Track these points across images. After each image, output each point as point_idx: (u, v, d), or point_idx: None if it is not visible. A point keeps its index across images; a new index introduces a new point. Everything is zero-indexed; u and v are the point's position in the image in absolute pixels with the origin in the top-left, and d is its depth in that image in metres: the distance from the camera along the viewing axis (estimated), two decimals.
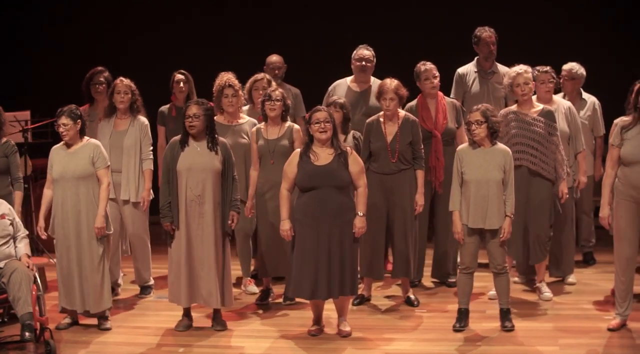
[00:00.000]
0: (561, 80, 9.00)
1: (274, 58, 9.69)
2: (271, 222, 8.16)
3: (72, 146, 7.69)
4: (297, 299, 8.25)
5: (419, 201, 8.23)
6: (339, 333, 7.52)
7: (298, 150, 7.51)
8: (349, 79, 9.32)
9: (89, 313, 7.71)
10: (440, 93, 8.74)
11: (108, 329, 7.77)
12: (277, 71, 9.52)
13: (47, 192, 7.77)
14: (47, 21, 12.38)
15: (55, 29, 12.29)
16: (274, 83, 8.81)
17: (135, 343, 7.45)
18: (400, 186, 8.21)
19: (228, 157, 7.62)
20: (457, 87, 9.45)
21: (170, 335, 7.64)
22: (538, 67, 8.48)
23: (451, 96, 9.15)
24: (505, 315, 7.56)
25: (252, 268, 8.98)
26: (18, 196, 7.99)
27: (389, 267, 8.68)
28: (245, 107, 8.89)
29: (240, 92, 8.54)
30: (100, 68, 9.16)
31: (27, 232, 7.59)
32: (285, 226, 7.44)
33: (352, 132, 8.32)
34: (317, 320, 7.60)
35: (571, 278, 8.86)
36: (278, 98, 8.15)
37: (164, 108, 9.28)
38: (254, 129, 8.30)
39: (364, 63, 9.14)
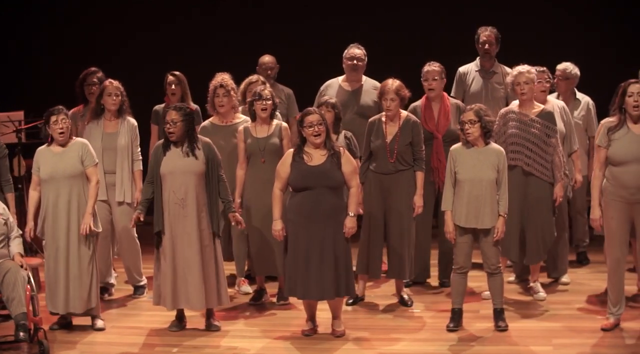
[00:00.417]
0: (555, 80, 9.01)
1: (267, 58, 9.70)
2: (261, 222, 8.16)
3: (61, 146, 7.67)
4: (291, 300, 8.25)
5: (418, 202, 8.22)
6: (332, 333, 7.52)
7: (291, 150, 7.51)
8: (340, 78, 9.33)
9: (73, 313, 7.68)
10: (445, 94, 8.74)
11: (102, 329, 7.76)
12: (269, 71, 9.53)
13: (34, 194, 7.73)
14: (42, 21, 12.35)
15: (50, 30, 12.26)
16: (267, 84, 8.81)
17: (128, 343, 7.45)
18: (398, 186, 8.21)
19: (212, 157, 7.60)
20: (457, 86, 9.47)
21: (163, 335, 7.64)
22: (535, 67, 8.50)
23: (451, 95, 9.15)
24: (499, 315, 7.57)
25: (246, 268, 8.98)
26: (10, 197, 7.97)
27: (384, 267, 8.67)
28: (240, 108, 8.87)
29: (232, 93, 8.53)
30: (93, 69, 9.14)
31: (21, 232, 7.59)
32: (278, 226, 7.44)
33: (343, 131, 8.32)
34: (311, 320, 7.60)
35: (565, 278, 8.87)
36: (268, 97, 8.16)
37: (159, 107, 9.26)
38: (241, 128, 8.29)
39: (355, 62, 9.16)
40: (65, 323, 7.83)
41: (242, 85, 8.85)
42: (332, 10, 11.65)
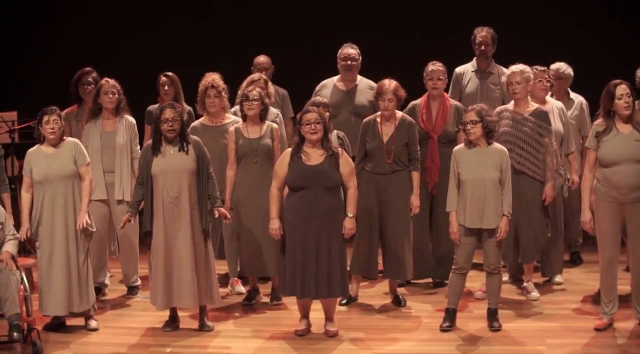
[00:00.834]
0: None
1: (262, 59, 9.71)
2: (253, 222, 8.17)
3: (52, 146, 7.67)
4: (284, 300, 8.26)
5: (415, 202, 8.23)
6: (325, 333, 7.52)
7: (289, 149, 7.51)
8: (335, 78, 9.35)
9: (73, 313, 7.69)
10: (445, 95, 8.75)
11: (95, 329, 7.76)
12: (264, 72, 9.51)
13: (26, 196, 7.71)
14: (36, 22, 12.35)
15: (44, 30, 12.26)
16: (270, 83, 8.82)
17: (122, 343, 7.45)
18: (394, 187, 8.21)
19: (202, 155, 7.62)
20: (453, 87, 9.47)
21: (157, 335, 7.64)
22: (536, 66, 8.51)
23: (448, 95, 9.16)
24: (492, 315, 7.57)
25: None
26: (6, 197, 7.94)
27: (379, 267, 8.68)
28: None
29: (223, 93, 8.54)
30: (88, 68, 9.13)
31: (18, 236, 7.56)
32: (275, 224, 7.44)
33: (335, 131, 8.31)
34: (304, 319, 7.60)
35: (558, 278, 8.88)
36: (255, 98, 8.17)
37: (152, 108, 9.25)
38: (232, 128, 8.29)
39: (349, 62, 9.17)
40: (58, 324, 7.81)
41: (244, 84, 8.83)
42: (328, 11, 11.67)
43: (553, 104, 8.64)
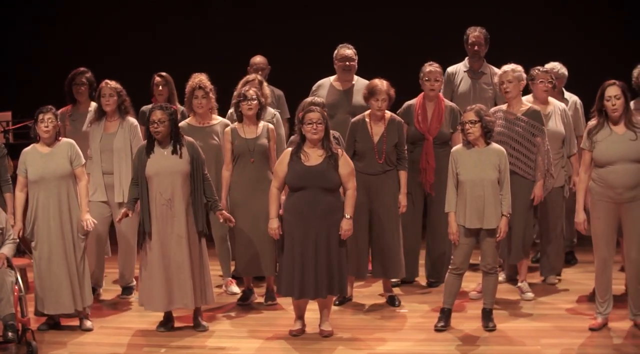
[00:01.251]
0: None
1: (258, 59, 9.71)
2: (249, 222, 8.16)
3: (47, 146, 7.66)
4: (279, 300, 8.26)
5: (403, 201, 8.25)
6: (320, 333, 7.52)
7: (289, 149, 7.51)
8: (332, 78, 9.35)
9: (70, 313, 7.69)
10: (440, 96, 8.73)
11: (90, 329, 7.75)
12: (260, 72, 9.51)
13: (20, 195, 7.71)
14: (30, 22, 12.34)
15: (38, 30, 12.25)
16: (265, 84, 8.81)
17: (116, 344, 7.45)
18: (385, 187, 8.22)
19: (196, 156, 7.61)
20: (445, 86, 9.43)
21: (151, 335, 7.64)
22: (538, 67, 8.52)
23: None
24: (487, 315, 7.58)
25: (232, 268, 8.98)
26: (9, 197, 7.91)
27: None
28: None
29: (211, 94, 8.53)
30: (82, 69, 9.11)
31: (17, 240, 7.55)
32: (274, 224, 7.45)
33: (331, 132, 8.29)
34: (299, 320, 7.60)
35: (552, 278, 8.88)
36: (253, 97, 8.16)
37: (146, 108, 9.22)
38: (228, 129, 8.29)
39: (347, 63, 9.16)
40: (53, 324, 7.81)
41: (240, 85, 8.83)
42: (324, 11, 11.66)
43: (555, 105, 8.63)
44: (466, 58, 9.56)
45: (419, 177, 8.58)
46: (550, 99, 8.68)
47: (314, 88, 9.37)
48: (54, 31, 12.19)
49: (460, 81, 9.49)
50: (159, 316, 7.77)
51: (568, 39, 10.94)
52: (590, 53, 10.84)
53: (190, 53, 11.52)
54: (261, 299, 8.44)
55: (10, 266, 7.28)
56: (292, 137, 8.26)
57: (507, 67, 8.21)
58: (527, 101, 8.52)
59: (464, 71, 9.52)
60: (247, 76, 8.88)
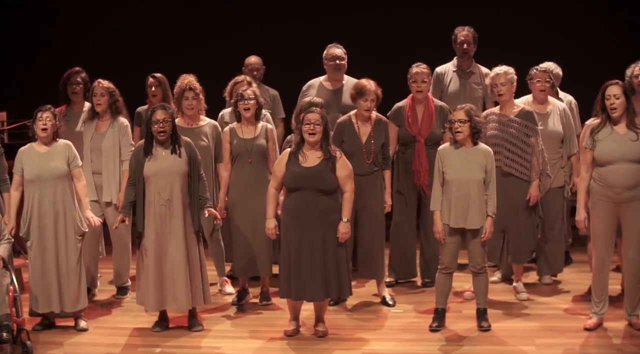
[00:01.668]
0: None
1: (253, 59, 9.70)
2: (246, 222, 8.16)
3: (44, 146, 7.66)
4: (274, 300, 8.26)
5: (388, 201, 8.27)
6: (315, 333, 7.52)
7: (288, 150, 7.50)
8: (321, 78, 9.32)
9: (65, 312, 7.68)
10: (429, 96, 8.72)
11: (85, 329, 7.75)
12: (255, 72, 9.52)
13: (15, 194, 7.70)
14: (26, 23, 12.33)
15: (34, 30, 12.24)
16: (254, 84, 8.80)
17: (111, 344, 7.45)
18: (372, 187, 8.23)
19: (194, 156, 7.62)
20: (434, 86, 9.42)
21: (146, 336, 7.63)
22: (537, 67, 8.52)
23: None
24: (482, 315, 7.58)
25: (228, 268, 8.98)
26: (6, 197, 7.91)
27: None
28: (228, 110, 8.83)
29: (200, 96, 8.52)
30: (77, 68, 9.09)
31: (11, 240, 7.54)
32: (270, 224, 7.46)
33: None
34: (294, 320, 7.60)
35: (547, 278, 8.88)
36: (251, 97, 8.16)
37: (141, 109, 9.25)
38: (227, 128, 8.29)
39: (337, 62, 9.14)
40: (48, 324, 7.81)
41: (229, 86, 8.85)
42: (320, 12, 11.66)
43: (555, 105, 8.62)
44: (455, 58, 9.55)
45: (412, 178, 8.58)
46: (551, 98, 8.67)
47: (304, 88, 9.35)
48: (52, 31, 12.19)
49: (450, 81, 9.48)
50: (154, 316, 7.76)
51: (568, 39, 10.95)
52: (590, 53, 10.86)
53: (185, 53, 11.52)
54: (256, 300, 8.44)
55: (5, 266, 7.27)
56: (288, 137, 8.28)
57: (500, 70, 8.20)
58: (527, 100, 8.53)
59: (453, 71, 9.51)
60: (236, 78, 8.88)
